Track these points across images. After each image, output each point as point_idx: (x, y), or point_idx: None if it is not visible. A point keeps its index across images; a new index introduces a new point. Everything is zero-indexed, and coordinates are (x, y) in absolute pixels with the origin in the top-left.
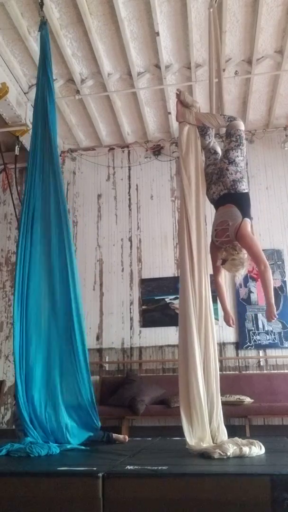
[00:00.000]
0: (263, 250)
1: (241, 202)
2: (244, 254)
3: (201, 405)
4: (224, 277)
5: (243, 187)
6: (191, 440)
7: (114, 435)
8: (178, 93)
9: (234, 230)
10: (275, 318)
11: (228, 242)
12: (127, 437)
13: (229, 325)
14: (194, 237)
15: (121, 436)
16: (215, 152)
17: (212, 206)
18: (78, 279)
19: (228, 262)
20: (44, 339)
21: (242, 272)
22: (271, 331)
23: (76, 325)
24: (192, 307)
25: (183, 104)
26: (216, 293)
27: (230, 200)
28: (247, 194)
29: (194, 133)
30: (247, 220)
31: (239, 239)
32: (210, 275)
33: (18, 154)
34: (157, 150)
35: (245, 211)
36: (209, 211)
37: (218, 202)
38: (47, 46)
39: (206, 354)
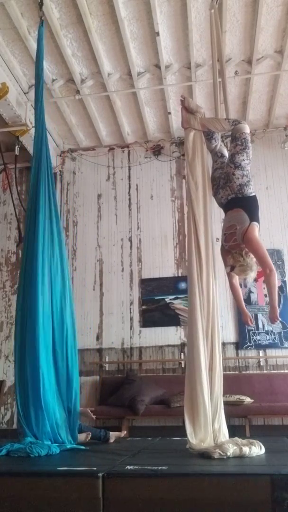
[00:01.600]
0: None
1: (249, 205)
2: (252, 259)
3: (205, 406)
4: (238, 279)
5: (250, 190)
6: (192, 439)
7: (111, 433)
8: (182, 99)
9: (241, 234)
10: (278, 321)
11: (236, 246)
12: (125, 431)
13: (248, 325)
14: (202, 240)
15: (116, 433)
16: (222, 155)
17: (221, 210)
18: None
19: (236, 268)
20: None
21: (252, 276)
22: (271, 331)
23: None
24: (199, 309)
25: (188, 110)
26: (232, 295)
27: (238, 204)
28: (254, 197)
29: (200, 138)
30: (254, 224)
31: (246, 243)
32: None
33: (18, 154)
34: (157, 150)
35: (253, 215)
36: (216, 214)
37: (226, 206)
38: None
39: (212, 355)
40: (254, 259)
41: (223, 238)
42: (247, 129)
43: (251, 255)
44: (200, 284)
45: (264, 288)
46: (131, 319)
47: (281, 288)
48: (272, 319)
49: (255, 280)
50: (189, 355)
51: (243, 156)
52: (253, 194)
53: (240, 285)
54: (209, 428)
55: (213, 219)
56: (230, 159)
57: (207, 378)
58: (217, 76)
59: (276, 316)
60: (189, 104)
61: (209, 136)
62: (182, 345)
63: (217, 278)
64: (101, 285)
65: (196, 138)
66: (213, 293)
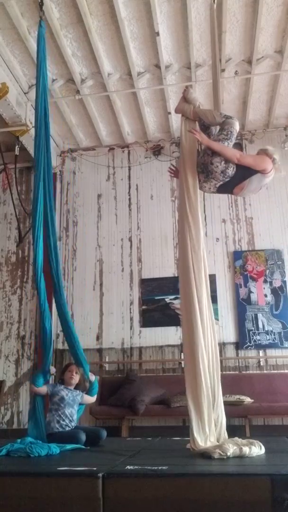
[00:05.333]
0: (262, 250)
1: (241, 175)
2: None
3: (209, 404)
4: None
5: (232, 169)
6: (198, 437)
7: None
8: (185, 89)
9: (263, 174)
10: (195, 133)
11: (272, 167)
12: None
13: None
14: (192, 225)
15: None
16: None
17: (221, 214)
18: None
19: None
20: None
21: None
22: (271, 331)
23: None
24: (197, 306)
25: (185, 99)
26: None
27: (236, 181)
28: (238, 170)
29: (193, 127)
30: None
31: (261, 164)
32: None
33: (18, 154)
34: (157, 150)
35: (249, 171)
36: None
37: (219, 191)
38: (44, 44)
39: (210, 353)
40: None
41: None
42: (236, 125)
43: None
44: (194, 279)
45: (264, 288)
46: (131, 319)
47: (281, 288)
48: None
49: (255, 280)
50: (189, 354)
51: (224, 143)
52: (235, 170)
53: (240, 285)
54: (213, 428)
55: (213, 219)
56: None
57: (210, 378)
58: (218, 75)
59: (198, 135)
60: (187, 94)
61: (203, 128)
62: (182, 345)
63: (217, 277)
64: (101, 285)
65: (189, 126)
66: (206, 287)
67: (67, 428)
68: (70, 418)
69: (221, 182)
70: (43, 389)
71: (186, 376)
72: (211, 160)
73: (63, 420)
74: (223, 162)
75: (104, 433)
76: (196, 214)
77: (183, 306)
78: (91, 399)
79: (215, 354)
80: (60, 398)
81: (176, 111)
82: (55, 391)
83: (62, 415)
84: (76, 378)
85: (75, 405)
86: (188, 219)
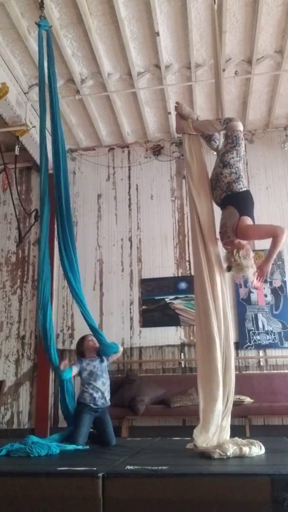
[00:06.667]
0: (262, 250)
1: (238, 201)
2: (245, 258)
3: (220, 407)
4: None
5: (240, 186)
6: (201, 437)
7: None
8: (176, 105)
9: (233, 230)
10: (262, 280)
11: (230, 243)
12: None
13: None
14: (208, 241)
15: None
16: None
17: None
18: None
19: (233, 268)
20: None
21: (252, 272)
22: (271, 331)
23: None
24: (212, 309)
25: (182, 116)
26: None
27: (229, 201)
28: (244, 193)
29: (197, 141)
30: (244, 218)
31: (240, 236)
32: None
33: (18, 154)
34: (157, 150)
35: (243, 209)
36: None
37: (221, 206)
38: (50, 44)
39: (227, 353)
40: (250, 256)
41: (220, 237)
42: (239, 126)
43: (245, 252)
44: (208, 280)
45: (264, 288)
46: (131, 319)
47: (281, 288)
48: (261, 275)
49: (255, 287)
50: (204, 357)
51: (232, 154)
52: (244, 189)
53: (240, 285)
54: (218, 429)
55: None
56: (220, 158)
57: (222, 379)
58: (221, 74)
59: (265, 273)
60: (181, 110)
61: (207, 138)
62: (182, 345)
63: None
64: (101, 285)
65: (192, 142)
66: (222, 289)
67: (100, 402)
68: (103, 389)
69: (225, 194)
70: (75, 370)
71: (201, 373)
72: (221, 171)
73: (96, 393)
74: (233, 174)
75: (114, 442)
76: (210, 230)
77: (200, 306)
78: (116, 355)
79: (232, 360)
80: (89, 373)
81: (177, 131)
82: (82, 367)
83: (94, 389)
84: (97, 343)
85: (104, 373)
86: (201, 235)
